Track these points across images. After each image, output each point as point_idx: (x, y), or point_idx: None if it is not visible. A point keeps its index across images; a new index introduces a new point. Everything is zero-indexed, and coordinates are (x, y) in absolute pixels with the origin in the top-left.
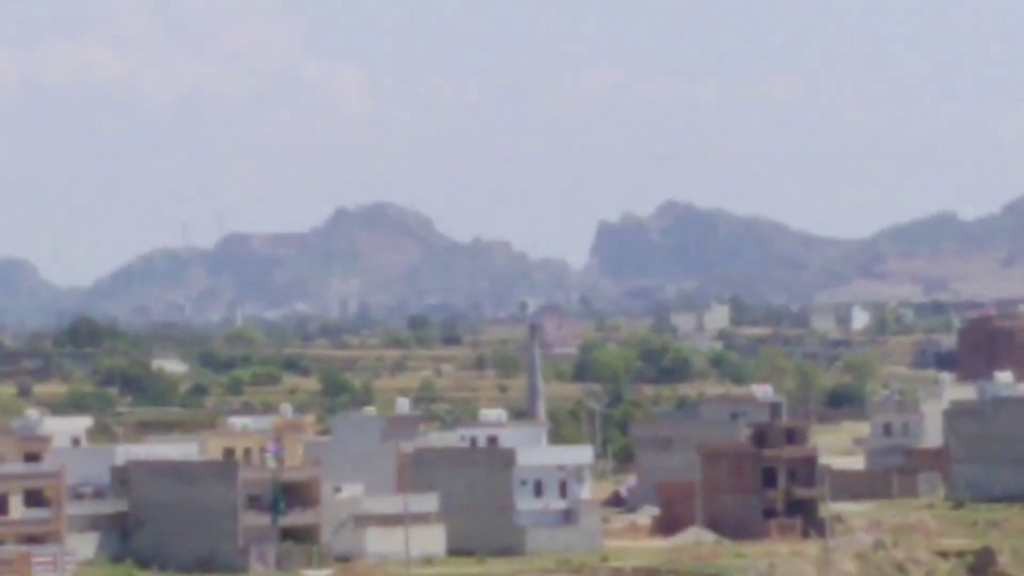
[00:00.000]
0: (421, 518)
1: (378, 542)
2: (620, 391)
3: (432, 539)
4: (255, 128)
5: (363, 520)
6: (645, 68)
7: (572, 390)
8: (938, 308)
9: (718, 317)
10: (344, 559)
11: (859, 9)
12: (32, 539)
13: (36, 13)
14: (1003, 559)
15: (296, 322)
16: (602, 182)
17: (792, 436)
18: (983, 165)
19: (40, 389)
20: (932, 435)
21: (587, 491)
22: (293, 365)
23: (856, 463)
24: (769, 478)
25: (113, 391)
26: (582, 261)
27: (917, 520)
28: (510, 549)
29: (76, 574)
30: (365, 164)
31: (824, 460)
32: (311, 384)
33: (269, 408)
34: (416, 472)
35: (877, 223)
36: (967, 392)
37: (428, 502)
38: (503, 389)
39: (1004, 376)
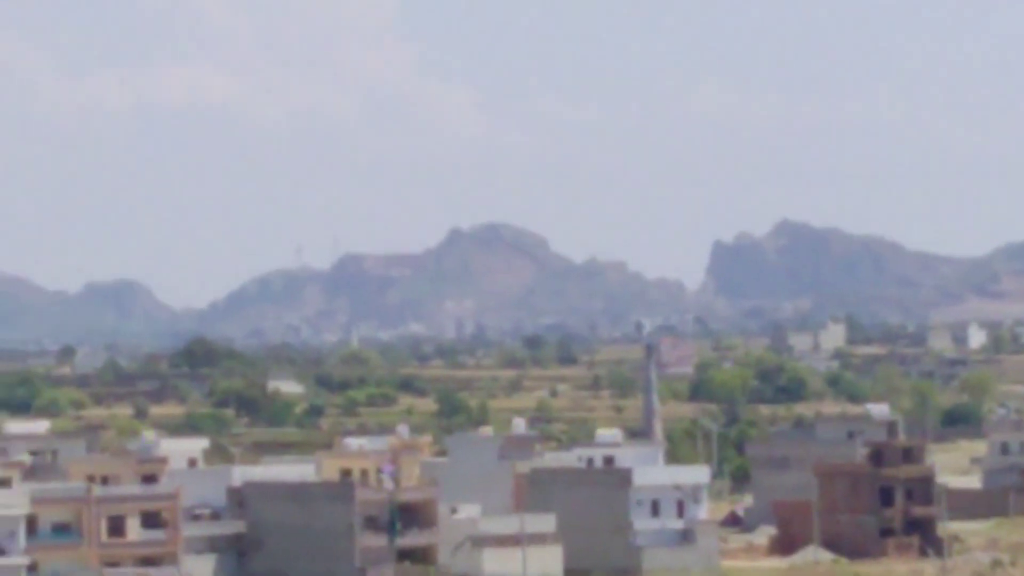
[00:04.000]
0: (538, 538)
1: (495, 563)
2: (736, 411)
3: (549, 559)
4: (370, 149)
5: (480, 541)
6: (760, 88)
7: (688, 410)
8: None
9: (834, 336)
10: None
11: (976, 27)
12: (149, 561)
13: (150, 37)
14: None
15: (411, 343)
16: (717, 202)
17: (909, 455)
18: None
19: (157, 411)
20: None
21: (704, 511)
22: (409, 386)
23: (973, 482)
24: (886, 497)
25: (229, 412)
26: (698, 281)
27: None
28: (627, 569)
29: None
30: (480, 185)
31: (941, 479)
32: (427, 405)
33: (385, 429)
34: (533, 492)
35: (992, 241)
36: None
37: (545, 522)
38: (619, 409)
39: None
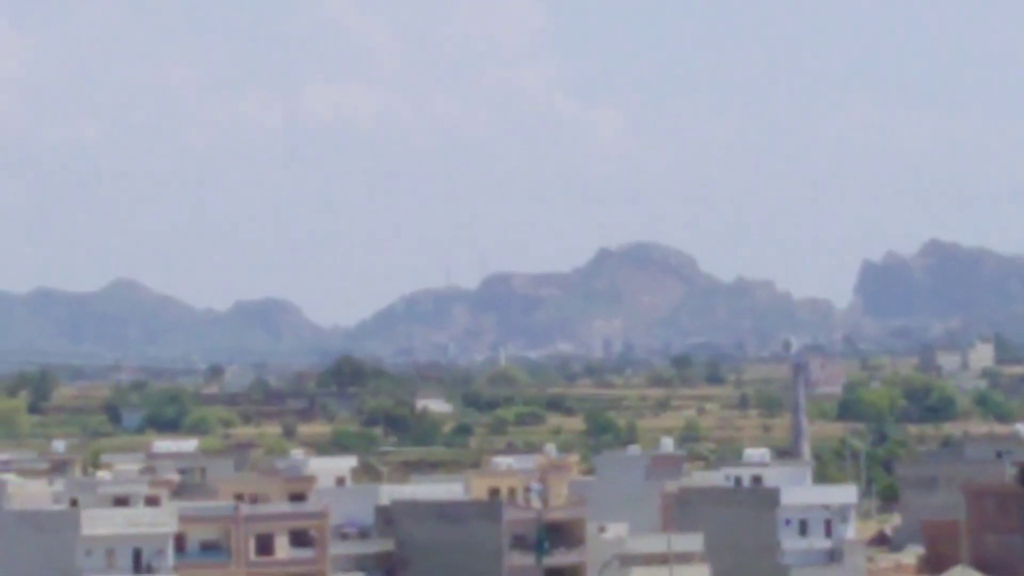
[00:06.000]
0: (686, 557)
1: None
2: (884, 430)
3: None
4: (518, 168)
5: (628, 560)
6: (910, 106)
7: (836, 429)
8: None
9: (982, 356)
10: None
11: None
12: None
13: (299, 56)
14: None
15: (559, 362)
16: (865, 221)
17: None
18: None
19: (305, 429)
20: None
21: (851, 531)
22: (557, 405)
23: None
24: None
25: (377, 431)
26: (846, 300)
27: None
28: None
29: None
30: (627, 204)
31: None
32: (575, 424)
33: (533, 448)
34: (680, 511)
35: None
36: None
37: (693, 542)
38: (767, 428)
39: None
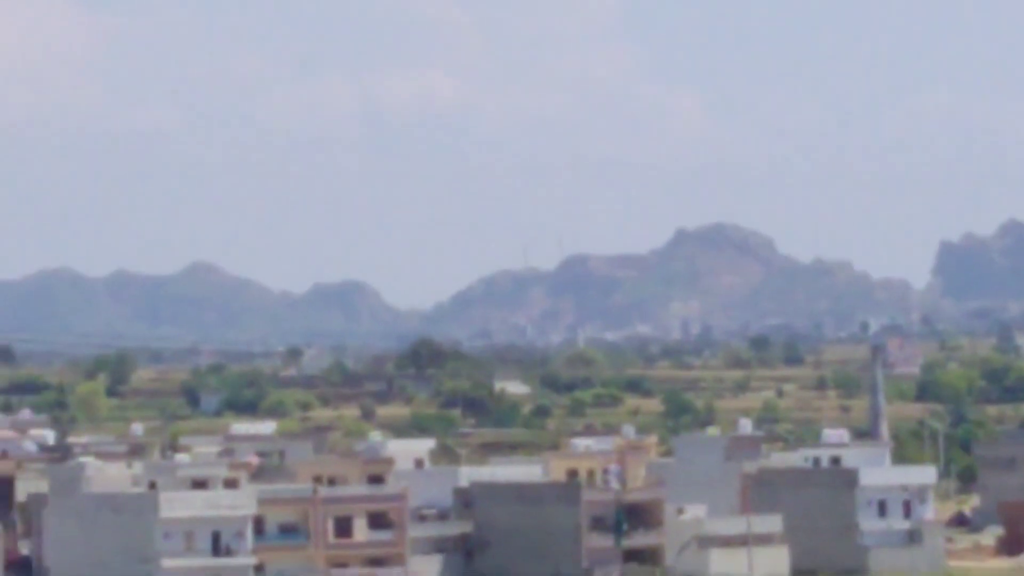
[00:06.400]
0: (764, 539)
1: (721, 563)
2: (962, 411)
3: (776, 560)
4: (594, 150)
5: (706, 541)
6: (987, 88)
7: (914, 410)
8: None
9: None
10: None
11: None
12: (375, 562)
13: (377, 41)
14: None
15: (637, 343)
16: (943, 202)
17: None
18: None
19: (383, 411)
20: None
21: (930, 511)
22: (635, 386)
23: None
24: None
25: (455, 413)
26: (924, 281)
27: None
28: (853, 570)
29: None
30: (705, 185)
31: None
32: (653, 405)
33: (611, 429)
34: (759, 493)
35: None
36: None
37: (772, 523)
38: (845, 409)
39: None
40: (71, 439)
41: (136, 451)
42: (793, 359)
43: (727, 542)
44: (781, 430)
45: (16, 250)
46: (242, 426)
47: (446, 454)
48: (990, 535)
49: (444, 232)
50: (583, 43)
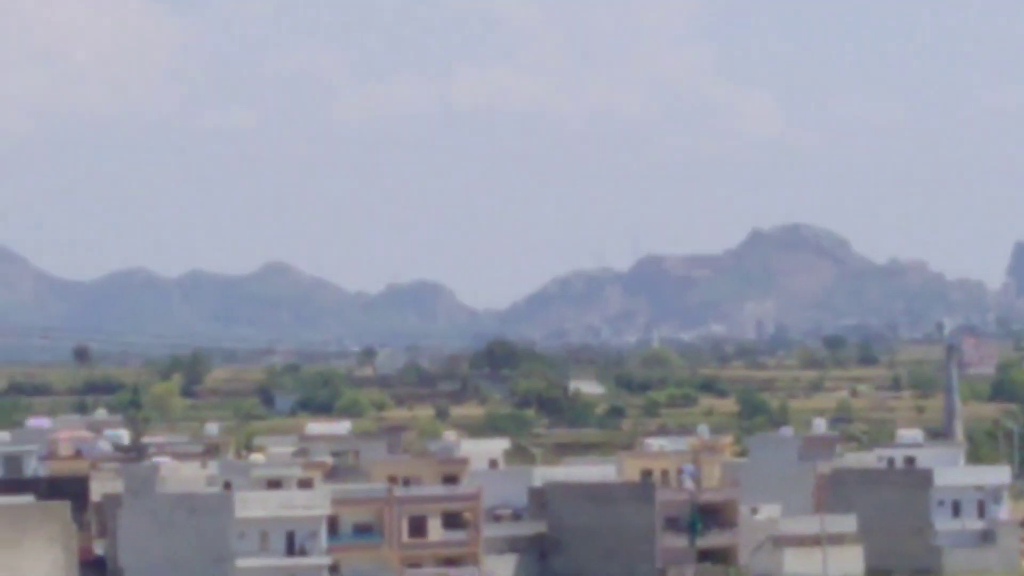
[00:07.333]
0: (838, 539)
1: (796, 563)
2: None
3: (850, 560)
4: (669, 150)
5: (780, 541)
6: None
7: (989, 410)
8: None
9: None
10: None
11: None
12: (450, 561)
13: (451, 40)
14: None
15: (712, 343)
16: (1019, 202)
17: None
18: None
19: (457, 411)
20: None
21: (1005, 511)
22: (709, 386)
23: None
24: None
25: (530, 413)
26: (999, 281)
27: None
28: (927, 569)
29: None
30: (779, 185)
31: None
32: (728, 405)
33: (686, 429)
34: (833, 493)
35: None
36: None
37: (846, 523)
38: (920, 409)
39: None
40: (146, 439)
41: (211, 451)
42: (867, 359)
43: (801, 542)
44: (855, 430)
45: (91, 251)
46: (317, 426)
47: (520, 454)
48: None
49: (519, 232)
50: (658, 43)
